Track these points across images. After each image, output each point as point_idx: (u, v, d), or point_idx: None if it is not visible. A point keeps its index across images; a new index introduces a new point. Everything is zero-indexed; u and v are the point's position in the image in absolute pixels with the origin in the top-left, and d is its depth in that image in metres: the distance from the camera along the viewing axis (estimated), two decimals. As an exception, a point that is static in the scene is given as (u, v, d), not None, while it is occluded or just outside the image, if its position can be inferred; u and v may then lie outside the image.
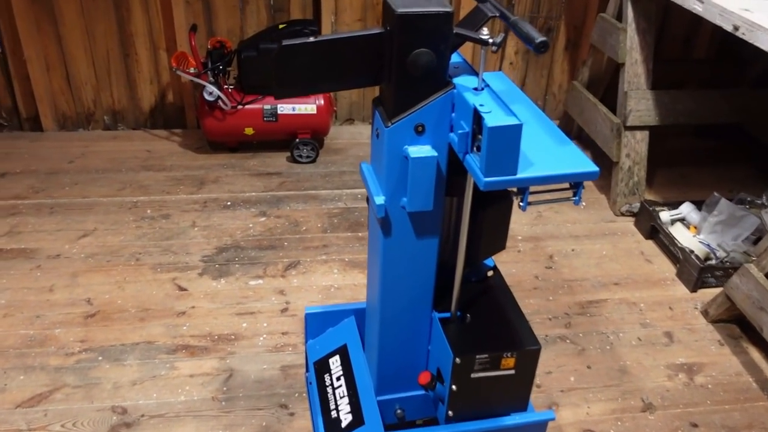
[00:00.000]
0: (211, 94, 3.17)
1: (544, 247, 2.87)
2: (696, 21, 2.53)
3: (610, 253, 2.86)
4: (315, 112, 3.33)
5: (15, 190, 3.07)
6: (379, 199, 1.43)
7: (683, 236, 2.79)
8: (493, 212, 1.55)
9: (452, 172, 1.44)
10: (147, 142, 3.55)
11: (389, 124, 1.35)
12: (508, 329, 1.62)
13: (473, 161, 1.28)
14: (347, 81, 1.37)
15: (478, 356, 1.54)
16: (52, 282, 2.52)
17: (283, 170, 3.33)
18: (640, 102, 2.98)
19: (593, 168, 1.28)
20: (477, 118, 1.25)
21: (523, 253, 2.82)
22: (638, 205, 3.05)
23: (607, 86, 3.46)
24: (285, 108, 3.29)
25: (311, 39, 1.27)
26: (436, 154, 1.37)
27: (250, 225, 2.90)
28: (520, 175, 1.25)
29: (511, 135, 1.21)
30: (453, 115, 1.36)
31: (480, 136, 1.25)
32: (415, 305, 1.63)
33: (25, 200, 3.00)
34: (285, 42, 1.26)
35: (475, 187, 1.37)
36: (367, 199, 1.55)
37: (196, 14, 3.45)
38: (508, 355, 1.55)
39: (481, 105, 1.25)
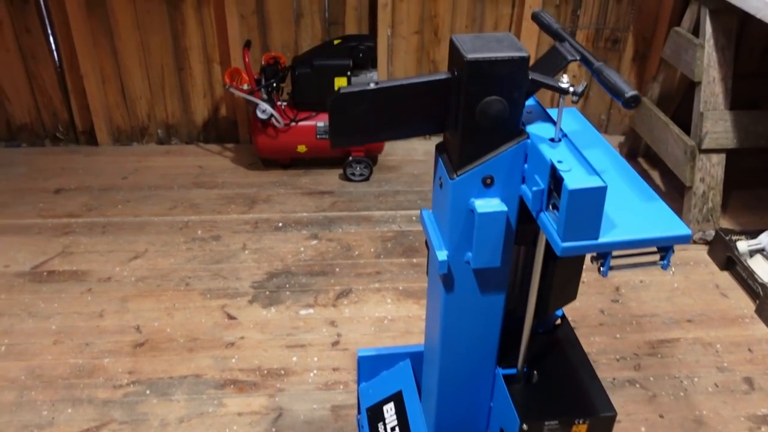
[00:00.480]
0: (264, 112, 3.10)
1: (610, 277, 2.70)
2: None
3: (682, 286, 2.67)
4: (369, 129, 3.22)
5: (69, 207, 3.06)
6: (442, 255, 1.31)
7: (763, 270, 2.59)
8: (565, 263, 1.41)
9: (521, 219, 1.32)
10: (199, 158, 3.51)
11: (454, 176, 1.23)
12: (580, 391, 1.49)
13: (549, 221, 1.15)
14: (408, 129, 1.25)
15: (547, 422, 1.41)
16: (102, 307, 2.49)
17: (335, 189, 3.24)
18: (717, 123, 2.78)
19: (686, 231, 1.14)
20: (554, 174, 1.13)
21: (588, 284, 2.66)
22: (713, 232, 2.85)
23: (679, 104, 3.25)
24: (339, 125, 3.18)
25: (371, 86, 1.16)
26: (505, 208, 1.24)
27: (302, 249, 2.81)
28: (602, 239, 1.12)
29: (594, 198, 1.07)
30: (525, 166, 1.23)
31: (557, 194, 1.12)
32: (477, 361, 1.51)
33: (78, 218, 2.99)
34: (342, 89, 1.16)
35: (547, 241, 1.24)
36: (427, 243, 1.44)
37: (251, 28, 3.39)
38: (580, 421, 1.42)
39: (559, 161, 1.12)
